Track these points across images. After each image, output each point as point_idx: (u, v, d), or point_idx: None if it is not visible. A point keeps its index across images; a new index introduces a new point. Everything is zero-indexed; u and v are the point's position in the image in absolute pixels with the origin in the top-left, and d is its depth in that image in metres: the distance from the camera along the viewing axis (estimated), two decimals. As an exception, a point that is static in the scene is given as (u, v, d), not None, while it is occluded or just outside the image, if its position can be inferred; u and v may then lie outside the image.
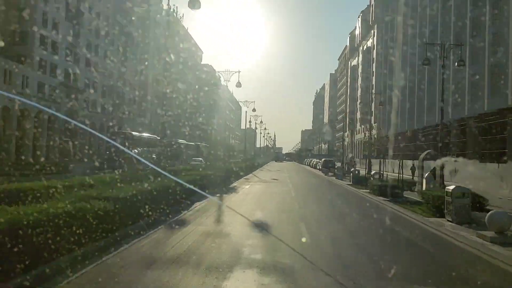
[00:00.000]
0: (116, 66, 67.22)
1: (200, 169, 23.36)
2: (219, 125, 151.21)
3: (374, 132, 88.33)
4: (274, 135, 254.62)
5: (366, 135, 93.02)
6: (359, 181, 27.30)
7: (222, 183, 23.66)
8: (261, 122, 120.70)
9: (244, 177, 34.14)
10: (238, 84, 48.07)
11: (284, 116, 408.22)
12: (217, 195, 20.32)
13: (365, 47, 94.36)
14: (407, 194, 20.14)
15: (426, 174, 20.00)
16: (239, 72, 43.66)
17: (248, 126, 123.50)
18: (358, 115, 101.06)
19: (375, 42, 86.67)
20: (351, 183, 28.75)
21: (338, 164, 51.37)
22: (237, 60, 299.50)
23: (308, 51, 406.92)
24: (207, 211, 14.56)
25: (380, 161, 32.16)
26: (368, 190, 22.23)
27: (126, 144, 32.96)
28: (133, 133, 37.22)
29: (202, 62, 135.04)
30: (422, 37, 58.69)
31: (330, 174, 42.29)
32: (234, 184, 28.03)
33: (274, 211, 15.69)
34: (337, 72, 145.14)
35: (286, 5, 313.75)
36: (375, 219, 14.17)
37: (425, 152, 24.22)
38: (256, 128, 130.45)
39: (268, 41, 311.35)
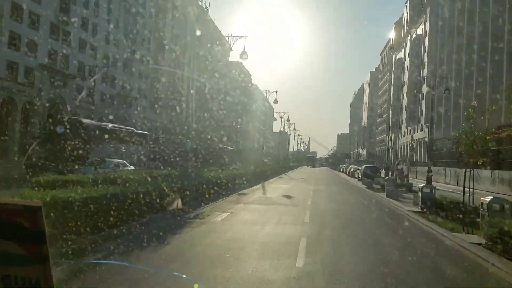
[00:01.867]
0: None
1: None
2: (248, 127, 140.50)
3: (421, 134, 74.47)
4: (309, 139, 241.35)
5: (414, 138, 78.94)
6: (437, 207, 14.86)
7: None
8: (292, 125, 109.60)
9: (236, 193, 21.73)
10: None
11: (320, 120, 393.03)
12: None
13: (413, 35, 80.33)
14: None
15: None
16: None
17: (281, 129, 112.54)
18: (404, 115, 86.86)
19: (427, 28, 72.65)
20: (420, 209, 16.25)
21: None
22: (272, 65, 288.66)
23: (345, 51, 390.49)
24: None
25: (468, 171, 18.95)
26: (481, 238, 9.57)
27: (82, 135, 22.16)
28: (86, 120, 26.23)
29: (230, 60, 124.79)
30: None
31: (375, 186, 29.93)
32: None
33: None
34: (378, 69, 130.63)
35: (320, 3, 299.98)
36: None
37: None
38: (289, 132, 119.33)
39: (303, 43, 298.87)
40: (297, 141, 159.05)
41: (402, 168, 33.28)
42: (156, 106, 66.27)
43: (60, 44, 45.70)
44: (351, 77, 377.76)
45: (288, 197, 20.26)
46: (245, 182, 22.97)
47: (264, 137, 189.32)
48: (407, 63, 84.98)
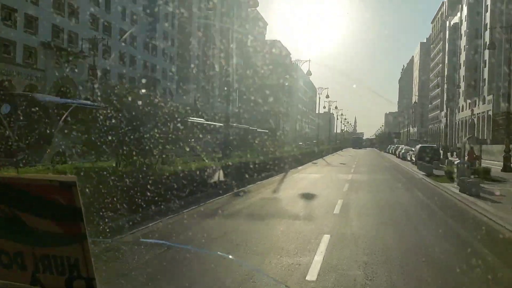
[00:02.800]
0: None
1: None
2: (291, 109, 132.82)
3: (483, 107, 63.82)
4: (355, 120, 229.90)
5: (474, 112, 68.30)
6: None
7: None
8: (336, 107, 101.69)
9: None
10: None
11: (367, 100, 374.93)
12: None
13: (472, -6, 68.89)
14: None
15: None
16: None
17: (324, 110, 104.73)
18: (462, 87, 75.96)
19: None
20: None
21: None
22: (315, 46, 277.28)
23: (392, 23, 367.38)
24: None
25: None
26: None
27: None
28: (42, 96, 20.32)
29: (269, 38, 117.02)
30: None
31: (437, 173, 22.29)
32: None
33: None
34: (429, 40, 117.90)
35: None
36: None
37: None
38: (331, 112, 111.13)
39: (346, 19, 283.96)
40: (341, 122, 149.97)
41: (472, 148, 25.11)
42: (180, 91, 60.59)
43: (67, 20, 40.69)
44: (399, 52, 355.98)
45: (308, 197, 13.36)
46: (255, 175, 16.47)
47: (307, 119, 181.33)
48: (464, 27, 73.60)
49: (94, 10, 43.71)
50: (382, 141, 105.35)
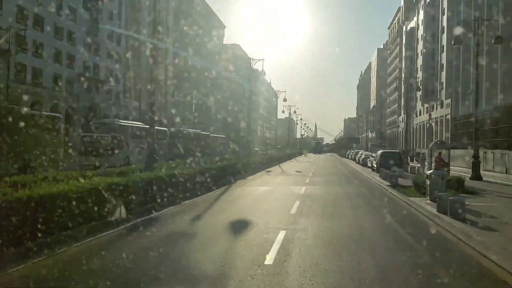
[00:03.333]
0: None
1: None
2: (251, 113, 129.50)
3: (441, 112, 62.82)
4: (315, 125, 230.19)
5: (432, 116, 67.37)
6: None
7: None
8: (295, 112, 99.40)
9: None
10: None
11: (327, 106, 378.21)
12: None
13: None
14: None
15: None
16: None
17: (284, 115, 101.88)
18: (420, 91, 75.11)
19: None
20: None
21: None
22: (276, 53, 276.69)
23: (349, 31, 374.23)
24: None
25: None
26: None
27: None
28: None
29: (229, 43, 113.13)
30: None
31: (403, 184, 19.19)
32: None
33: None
34: (386, 46, 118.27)
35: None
36: None
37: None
38: (292, 117, 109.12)
39: (305, 27, 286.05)
40: (301, 127, 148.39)
41: (440, 154, 22.25)
42: (127, 95, 55.42)
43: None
44: (359, 58, 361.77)
45: (238, 229, 9.53)
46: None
47: (268, 124, 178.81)
48: (421, 31, 72.92)
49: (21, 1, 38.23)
50: (342, 146, 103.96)
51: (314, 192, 16.97)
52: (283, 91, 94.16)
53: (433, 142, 22.25)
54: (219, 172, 19.10)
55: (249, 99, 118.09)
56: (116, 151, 26.33)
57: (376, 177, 24.45)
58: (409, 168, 29.32)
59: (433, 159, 22.22)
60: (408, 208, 12.87)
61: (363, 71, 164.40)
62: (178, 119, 69.28)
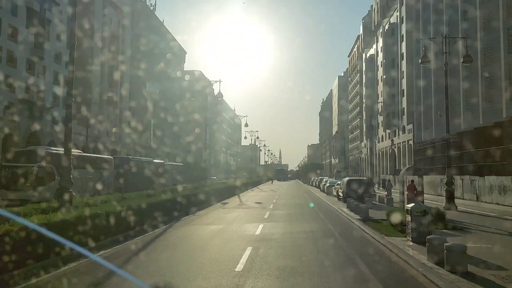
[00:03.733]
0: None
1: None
2: (214, 140, 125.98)
3: (403, 137, 62.20)
4: (280, 152, 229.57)
5: (394, 142, 66.69)
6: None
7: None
8: (258, 137, 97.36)
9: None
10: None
11: (291, 133, 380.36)
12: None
13: (386, 26, 68.79)
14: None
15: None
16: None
17: (248, 142, 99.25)
18: (380, 117, 74.83)
19: (403, 13, 60.84)
20: None
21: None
22: (239, 83, 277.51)
23: (311, 59, 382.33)
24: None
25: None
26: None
27: None
28: None
29: (191, 69, 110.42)
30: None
31: (374, 217, 16.58)
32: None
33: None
34: (347, 73, 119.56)
35: (284, 16, 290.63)
36: None
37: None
38: (256, 144, 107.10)
39: (269, 58, 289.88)
40: (266, 154, 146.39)
41: (412, 181, 19.92)
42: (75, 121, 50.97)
43: None
44: (321, 85, 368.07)
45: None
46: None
47: (231, 151, 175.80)
48: (380, 58, 73.28)
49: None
50: (306, 173, 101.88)
51: (273, 232, 13.92)
52: (244, 116, 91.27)
53: (405, 168, 19.94)
54: (158, 208, 15.72)
55: (209, 124, 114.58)
56: (46, 183, 22.38)
57: (343, 209, 21.75)
58: (377, 197, 26.95)
59: (406, 186, 19.87)
60: (389, 256, 10.01)
61: (324, 98, 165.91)
62: (138, 148, 65.03)
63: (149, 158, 43.97)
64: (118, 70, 61.32)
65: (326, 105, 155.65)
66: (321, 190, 44.67)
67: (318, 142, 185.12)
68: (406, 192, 19.52)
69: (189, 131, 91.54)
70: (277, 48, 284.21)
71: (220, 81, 36.22)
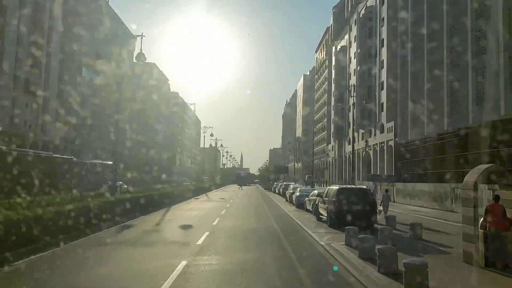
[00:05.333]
0: None
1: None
2: (170, 141, 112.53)
3: (381, 137, 52.58)
4: (241, 156, 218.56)
5: (369, 143, 57.10)
6: None
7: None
8: (216, 139, 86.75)
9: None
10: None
11: (253, 137, 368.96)
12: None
13: (362, 11, 59.27)
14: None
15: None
16: None
17: (209, 145, 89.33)
18: (351, 116, 65.37)
19: (384, -7, 51.36)
20: None
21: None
22: (200, 84, 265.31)
23: (274, 59, 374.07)
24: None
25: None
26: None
27: None
28: None
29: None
30: None
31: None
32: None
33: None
34: (313, 71, 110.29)
35: (246, 15, 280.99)
36: None
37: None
38: (217, 147, 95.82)
39: (232, 61, 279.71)
40: (226, 157, 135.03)
41: (498, 198, 9.24)
42: None
43: None
44: (285, 87, 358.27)
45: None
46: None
47: (190, 153, 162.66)
48: (354, 49, 63.77)
49: None
50: (268, 177, 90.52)
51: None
52: (209, 127, 77.76)
53: (479, 171, 9.09)
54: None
55: (164, 123, 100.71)
56: None
57: (335, 245, 10.72)
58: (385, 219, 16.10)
59: (490, 214, 9.08)
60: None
61: (288, 100, 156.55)
62: (68, 145, 51.98)
63: (44, 152, 31.05)
64: (41, 50, 47.75)
65: (290, 106, 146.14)
66: (287, 201, 33.68)
67: (281, 146, 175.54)
68: (488, 223, 8.76)
69: (138, 128, 78.48)
70: (240, 50, 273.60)
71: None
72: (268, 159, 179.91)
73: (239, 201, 34.56)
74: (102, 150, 62.72)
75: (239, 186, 74.27)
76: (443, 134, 34.06)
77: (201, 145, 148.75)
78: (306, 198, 23.63)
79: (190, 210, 24.41)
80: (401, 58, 44.85)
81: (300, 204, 25.45)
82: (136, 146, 73.02)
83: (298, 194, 27.34)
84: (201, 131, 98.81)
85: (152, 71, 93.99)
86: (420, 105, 39.29)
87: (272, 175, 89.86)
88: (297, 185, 38.86)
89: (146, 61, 77.47)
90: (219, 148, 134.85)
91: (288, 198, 33.32)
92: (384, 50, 50.84)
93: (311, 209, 20.97)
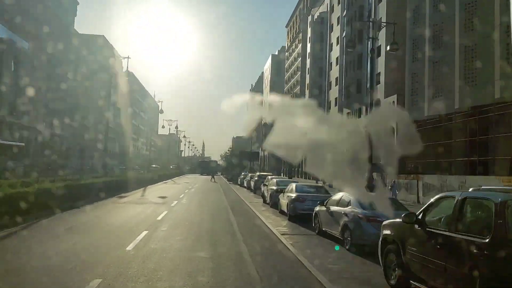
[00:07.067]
0: None
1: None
2: (122, 127, 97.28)
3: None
4: (203, 144, 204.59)
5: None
6: None
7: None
8: (177, 127, 74.04)
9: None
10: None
11: (217, 125, 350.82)
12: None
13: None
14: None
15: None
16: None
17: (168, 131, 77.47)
18: (334, 92, 54.19)
19: None
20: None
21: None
22: (162, 69, 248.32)
23: (242, 46, 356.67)
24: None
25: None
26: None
27: None
28: None
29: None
30: None
31: None
32: None
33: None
34: (283, 50, 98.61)
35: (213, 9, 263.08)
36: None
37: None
38: (177, 135, 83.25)
39: (193, 48, 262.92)
40: (187, 146, 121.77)
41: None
42: None
43: None
44: (251, 72, 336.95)
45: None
46: None
47: (146, 140, 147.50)
48: (337, 13, 52.33)
49: None
50: (232, 166, 77.21)
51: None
52: (160, 101, 65.72)
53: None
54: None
55: (113, 104, 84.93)
56: None
57: None
58: None
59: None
60: None
61: (253, 85, 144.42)
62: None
63: None
64: None
65: (256, 90, 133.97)
66: (266, 202, 21.59)
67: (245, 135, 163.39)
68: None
69: (76, 107, 63.65)
70: (203, 37, 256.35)
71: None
72: (231, 146, 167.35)
73: (183, 208, 21.17)
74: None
75: (211, 177, 60.20)
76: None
77: (159, 132, 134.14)
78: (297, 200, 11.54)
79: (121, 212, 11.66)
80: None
81: (294, 212, 13.39)
82: (68, 129, 58.35)
83: (293, 196, 14.93)
84: (159, 115, 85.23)
85: (102, 47, 77.27)
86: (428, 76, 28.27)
87: (237, 163, 76.59)
88: (275, 177, 26.67)
89: (92, 34, 59.97)
90: (179, 137, 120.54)
91: (268, 199, 21.19)
92: (382, 5, 39.55)
93: (286, 211, 8.96)
